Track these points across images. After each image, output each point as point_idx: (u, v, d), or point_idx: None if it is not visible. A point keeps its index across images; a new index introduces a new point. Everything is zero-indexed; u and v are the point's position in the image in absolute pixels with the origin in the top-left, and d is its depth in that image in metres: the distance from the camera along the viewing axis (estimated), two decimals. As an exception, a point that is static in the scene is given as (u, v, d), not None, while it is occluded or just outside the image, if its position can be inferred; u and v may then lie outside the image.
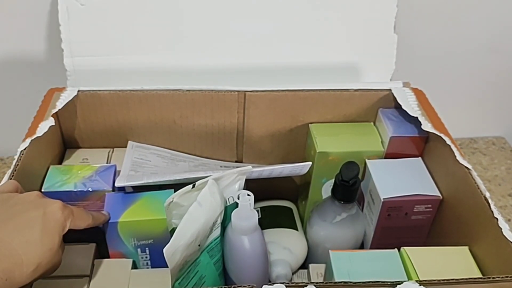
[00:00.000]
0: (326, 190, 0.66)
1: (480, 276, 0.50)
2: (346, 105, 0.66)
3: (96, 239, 0.55)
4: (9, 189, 0.48)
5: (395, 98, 0.65)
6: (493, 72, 0.91)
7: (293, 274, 0.65)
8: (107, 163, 0.65)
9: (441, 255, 0.52)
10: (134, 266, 0.56)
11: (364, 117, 0.67)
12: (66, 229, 0.45)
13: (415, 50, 0.84)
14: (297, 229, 0.67)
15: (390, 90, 0.66)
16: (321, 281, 0.58)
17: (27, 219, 0.42)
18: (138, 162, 0.64)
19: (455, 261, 0.52)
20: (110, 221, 0.54)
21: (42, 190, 0.57)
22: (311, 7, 0.70)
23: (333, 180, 0.59)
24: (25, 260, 0.40)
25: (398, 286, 0.42)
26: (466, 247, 0.53)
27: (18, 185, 0.49)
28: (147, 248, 0.56)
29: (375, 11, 0.71)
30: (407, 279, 0.43)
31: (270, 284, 0.41)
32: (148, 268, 0.57)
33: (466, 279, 0.43)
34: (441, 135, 0.58)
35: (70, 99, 0.62)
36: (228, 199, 0.55)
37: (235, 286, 0.42)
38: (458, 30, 0.84)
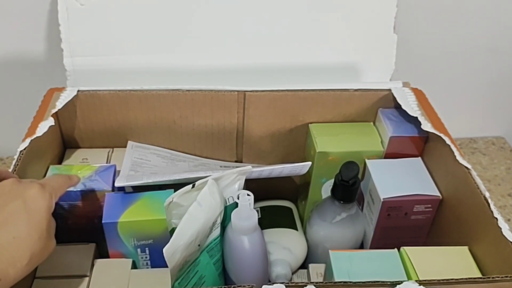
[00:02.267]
0: (326, 190, 0.66)
1: (480, 276, 0.50)
2: (345, 105, 0.66)
3: (96, 239, 0.56)
4: None
5: (395, 98, 0.65)
6: (493, 72, 0.91)
7: (293, 274, 0.65)
8: (107, 163, 0.65)
9: (441, 255, 0.52)
10: (134, 266, 0.56)
11: (363, 117, 0.67)
12: (53, 208, 0.43)
13: (415, 50, 0.84)
14: (296, 229, 0.67)
15: (390, 90, 0.66)
16: (321, 281, 0.58)
17: (9, 213, 0.40)
18: (138, 162, 0.64)
19: (455, 261, 0.52)
20: (110, 221, 0.54)
21: (42, 190, 0.57)
22: (311, 7, 0.70)
23: (332, 180, 0.59)
24: (17, 256, 0.39)
25: (398, 286, 0.42)
26: (466, 247, 0.53)
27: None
28: (147, 248, 0.56)
29: (375, 11, 0.71)
30: (407, 279, 0.43)
31: (270, 284, 0.41)
32: (148, 268, 0.57)
33: (466, 279, 0.43)
34: (441, 135, 0.58)
35: (69, 99, 0.62)
36: (228, 199, 0.55)
37: (235, 286, 0.42)
38: (458, 30, 0.84)
